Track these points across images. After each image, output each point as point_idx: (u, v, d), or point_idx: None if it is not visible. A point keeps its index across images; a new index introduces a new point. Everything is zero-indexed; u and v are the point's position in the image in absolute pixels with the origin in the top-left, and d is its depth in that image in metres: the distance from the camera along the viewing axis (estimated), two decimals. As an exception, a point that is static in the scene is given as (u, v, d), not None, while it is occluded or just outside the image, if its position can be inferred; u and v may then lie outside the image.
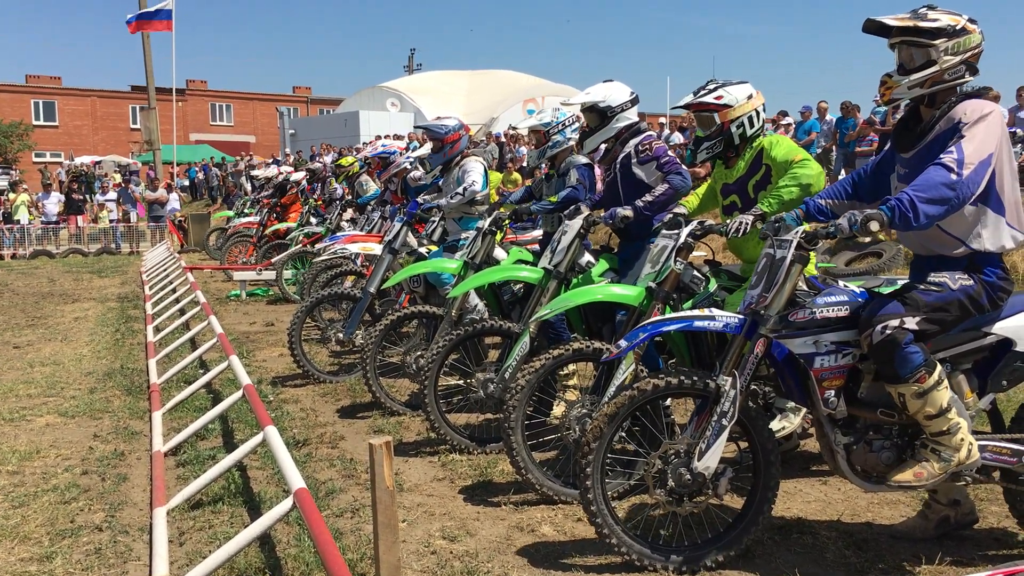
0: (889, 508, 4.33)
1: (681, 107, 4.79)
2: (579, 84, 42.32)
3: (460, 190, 6.91)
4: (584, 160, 6.07)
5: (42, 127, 50.83)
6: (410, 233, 7.40)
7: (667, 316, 3.75)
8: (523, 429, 4.45)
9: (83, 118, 52.68)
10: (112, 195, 25.97)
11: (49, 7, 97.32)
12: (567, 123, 6.06)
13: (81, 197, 25.94)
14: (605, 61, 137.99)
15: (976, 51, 3.50)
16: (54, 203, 23.96)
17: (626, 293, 4.57)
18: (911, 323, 3.37)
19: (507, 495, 4.54)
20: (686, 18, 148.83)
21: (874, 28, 3.56)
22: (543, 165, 6.63)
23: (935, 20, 3.46)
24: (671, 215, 4.81)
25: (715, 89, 4.63)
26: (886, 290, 3.59)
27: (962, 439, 3.44)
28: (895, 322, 3.36)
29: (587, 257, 5.43)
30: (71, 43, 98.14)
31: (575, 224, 5.17)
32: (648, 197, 5.20)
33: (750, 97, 4.63)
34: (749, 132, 4.63)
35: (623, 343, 3.70)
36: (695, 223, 4.47)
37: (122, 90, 54.54)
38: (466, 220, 7.11)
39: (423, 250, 7.32)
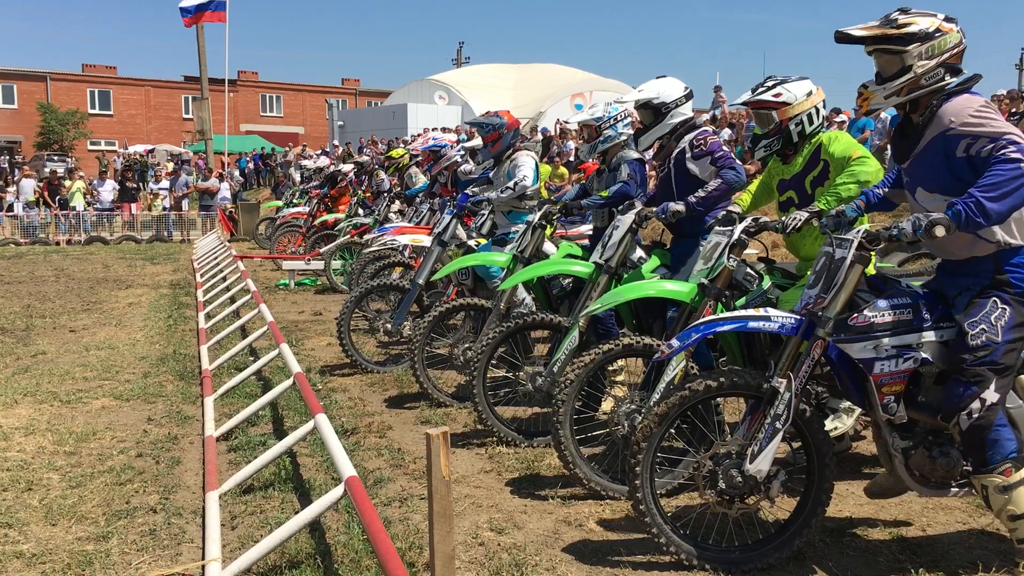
0: (944, 513, 4.24)
1: (740, 104, 4.73)
2: (628, 79, 42.12)
3: (511, 184, 6.91)
4: (635, 155, 6.04)
5: (97, 115, 51.87)
6: (459, 226, 7.42)
7: (721, 316, 3.67)
8: (572, 423, 4.44)
9: (137, 107, 53.66)
10: (165, 184, 26.43)
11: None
12: (619, 118, 6.01)
13: (135, 185, 26.44)
14: (654, 56, 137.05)
15: (955, 51, 3.41)
16: (108, 190, 24.47)
17: (678, 289, 4.54)
18: (991, 396, 3.26)
19: (554, 489, 4.54)
20: (736, 13, 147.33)
21: (845, 39, 3.47)
22: (592, 159, 6.60)
23: (906, 25, 3.37)
24: (725, 211, 4.76)
25: (774, 86, 4.55)
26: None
27: None
28: (976, 404, 3.25)
29: (639, 252, 5.41)
30: (127, 33, 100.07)
31: (627, 219, 5.15)
32: (700, 192, 5.16)
33: (809, 94, 4.55)
34: (808, 129, 4.55)
35: (675, 343, 3.63)
36: (749, 220, 4.41)
37: (175, 80, 55.45)
38: (516, 214, 7.11)
39: (472, 243, 7.34)
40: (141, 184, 30.20)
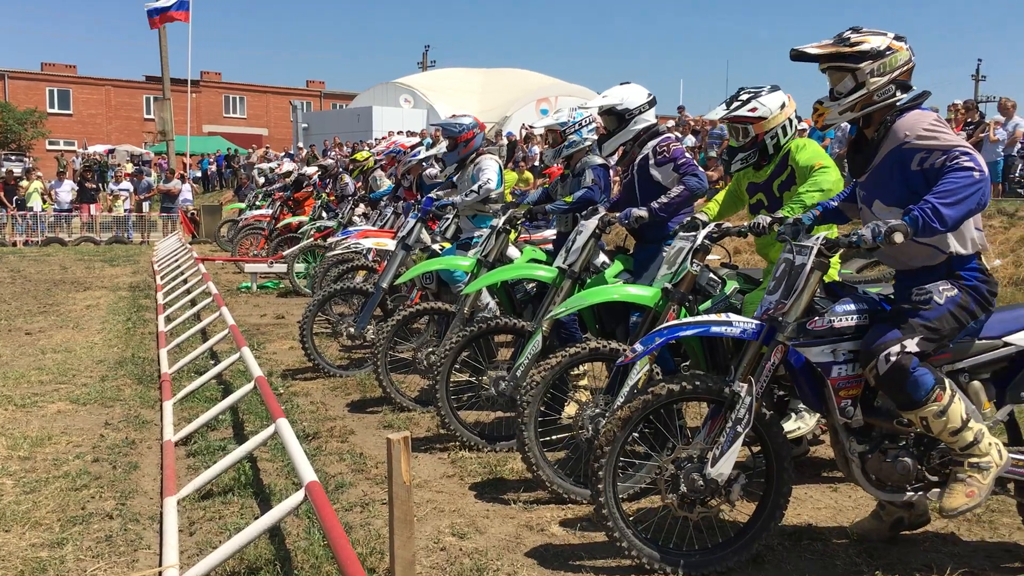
0: (900, 517, 4.30)
1: (715, 119, 4.78)
2: (593, 84, 42.26)
3: (475, 188, 6.91)
4: (600, 160, 6.07)
5: (56, 115, 51.01)
6: (424, 230, 7.40)
7: (684, 320, 3.72)
8: (536, 425, 4.44)
9: (97, 107, 52.87)
10: (125, 185, 26.04)
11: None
12: (583, 123, 6.05)
13: (94, 186, 26.02)
14: (618, 62, 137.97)
15: (905, 68, 3.54)
16: (67, 191, 24.06)
17: (642, 294, 4.57)
18: (912, 345, 3.36)
19: (517, 493, 4.54)
20: (700, 20, 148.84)
21: (800, 57, 3.59)
22: (557, 164, 6.62)
23: (858, 43, 3.49)
24: (689, 217, 4.81)
25: (749, 100, 4.59)
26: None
27: (989, 443, 3.44)
28: (896, 348, 3.34)
29: (602, 258, 5.43)
30: (87, 32, 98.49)
31: (591, 224, 5.17)
32: (663, 198, 5.20)
33: (783, 106, 4.61)
34: (783, 141, 4.62)
35: (639, 347, 3.67)
36: (712, 225, 4.47)
37: (136, 80, 54.71)
38: (480, 218, 7.11)
39: (436, 247, 7.32)
40: (101, 185, 29.72)
